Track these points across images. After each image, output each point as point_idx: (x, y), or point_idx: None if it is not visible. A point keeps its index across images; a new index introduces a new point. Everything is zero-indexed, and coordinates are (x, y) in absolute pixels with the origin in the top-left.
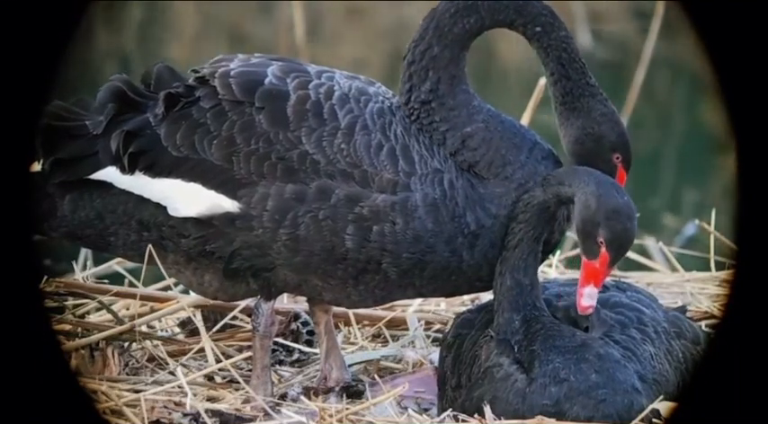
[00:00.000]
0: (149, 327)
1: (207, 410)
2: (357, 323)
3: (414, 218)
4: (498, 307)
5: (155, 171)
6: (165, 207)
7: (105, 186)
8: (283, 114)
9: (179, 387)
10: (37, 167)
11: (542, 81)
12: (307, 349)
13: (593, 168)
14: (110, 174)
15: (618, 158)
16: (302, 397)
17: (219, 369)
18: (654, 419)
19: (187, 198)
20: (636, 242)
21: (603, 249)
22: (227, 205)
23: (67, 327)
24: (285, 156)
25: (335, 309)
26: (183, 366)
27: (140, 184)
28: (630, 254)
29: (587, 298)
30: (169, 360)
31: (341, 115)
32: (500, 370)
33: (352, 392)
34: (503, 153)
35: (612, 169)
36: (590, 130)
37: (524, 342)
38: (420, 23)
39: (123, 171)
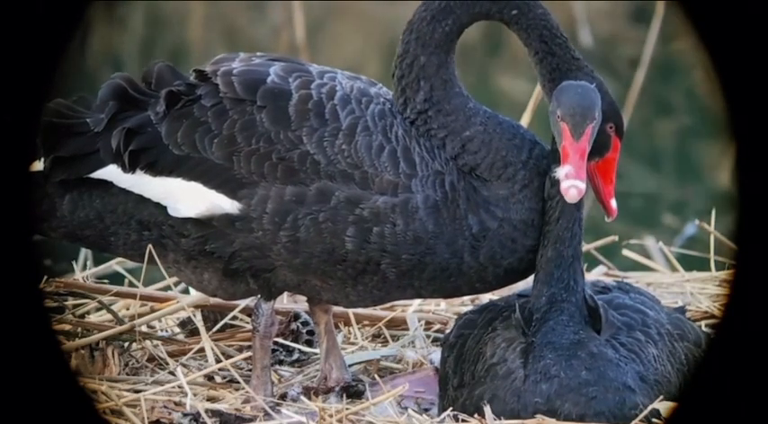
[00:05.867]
0: (149, 327)
1: (207, 410)
2: (357, 323)
3: (414, 220)
4: (535, 278)
5: (155, 169)
6: (165, 207)
7: (105, 186)
8: (285, 113)
9: (179, 387)
10: (38, 166)
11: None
12: (307, 349)
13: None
14: (110, 173)
15: (611, 127)
16: (302, 397)
17: (219, 369)
18: (653, 420)
19: (187, 198)
20: (636, 242)
21: (562, 123)
22: (227, 206)
23: (67, 327)
24: (286, 156)
25: (336, 309)
26: (183, 366)
27: (141, 183)
28: (631, 254)
29: (565, 180)
30: (169, 360)
31: (342, 116)
32: (504, 367)
33: (353, 392)
34: (503, 154)
35: (606, 139)
36: None
37: (536, 325)
38: (400, 38)
39: (124, 169)
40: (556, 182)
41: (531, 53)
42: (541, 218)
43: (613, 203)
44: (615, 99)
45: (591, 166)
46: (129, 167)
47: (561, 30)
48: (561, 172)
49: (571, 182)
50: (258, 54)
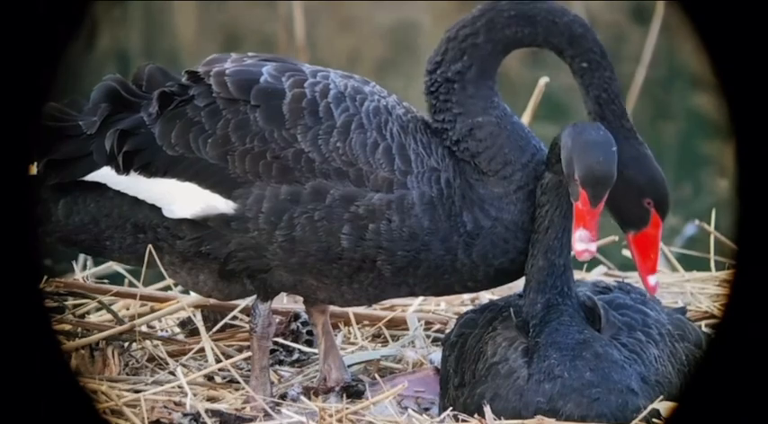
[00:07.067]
0: (149, 327)
1: (207, 410)
2: (357, 323)
3: (410, 216)
4: (526, 288)
5: (150, 170)
6: (159, 209)
7: (99, 189)
8: (279, 112)
9: (179, 387)
10: (32, 170)
11: (542, 81)
12: (306, 349)
13: (625, 212)
14: (104, 175)
15: (649, 203)
16: (302, 397)
17: (219, 369)
18: (653, 420)
19: (182, 199)
20: None
21: (580, 188)
22: (222, 206)
23: (67, 327)
24: (280, 155)
25: (336, 309)
26: (183, 366)
27: (135, 185)
28: (630, 254)
29: (579, 243)
30: (169, 360)
31: (336, 113)
32: (505, 365)
33: (352, 392)
34: (506, 151)
35: (644, 214)
36: (617, 173)
37: (537, 329)
38: (477, 6)
39: (118, 171)
40: (546, 191)
41: (586, 109)
42: (532, 223)
43: (651, 280)
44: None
45: (629, 238)
46: (123, 169)
47: (620, 97)
48: (576, 234)
49: (585, 246)
50: (250, 54)
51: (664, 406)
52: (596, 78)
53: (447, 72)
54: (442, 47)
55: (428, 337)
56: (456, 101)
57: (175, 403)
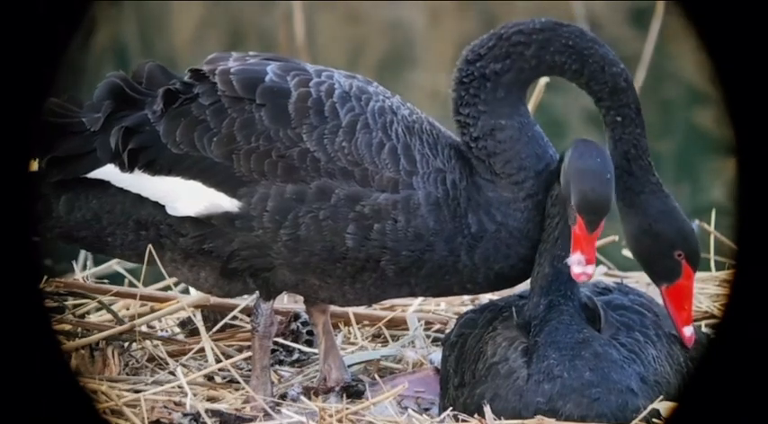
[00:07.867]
0: (149, 327)
1: (207, 410)
2: (357, 323)
3: (416, 216)
4: (531, 293)
5: (154, 168)
6: (163, 207)
7: (102, 186)
8: (284, 111)
9: (179, 387)
10: (34, 167)
11: (542, 81)
12: (307, 349)
13: (655, 266)
14: (107, 172)
15: (680, 255)
16: (302, 397)
17: (219, 369)
18: (653, 420)
19: (186, 197)
20: None
21: (576, 213)
22: (227, 204)
23: (67, 327)
24: (285, 154)
25: (336, 309)
26: (183, 366)
27: (139, 182)
28: (631, 254)
29: (576, 266)
30: (169, 360)
31: (342, 113)
32: (505, 365)
33: (353, 392)
34: (522, 157)
35: (676, 266)
36: (646, 228)
37: (537, 329)
38: (540, 18)
39: (122, 168)
40: (556, 202)
41: (613, 162)
42: (538, 231)
43: (687, 331)
44: (689, 225)
45: (662, 290)
46: (128, 166)
47: (648, 153)
48: (573, 258)
49: (582, 270)
50: (251, 53)
51: (663, 406)
52: (626, 134)
53: (485, 68)
54: (490, 41)
55: (428, 337)
56: (484, 99)
57: (175, 403)
